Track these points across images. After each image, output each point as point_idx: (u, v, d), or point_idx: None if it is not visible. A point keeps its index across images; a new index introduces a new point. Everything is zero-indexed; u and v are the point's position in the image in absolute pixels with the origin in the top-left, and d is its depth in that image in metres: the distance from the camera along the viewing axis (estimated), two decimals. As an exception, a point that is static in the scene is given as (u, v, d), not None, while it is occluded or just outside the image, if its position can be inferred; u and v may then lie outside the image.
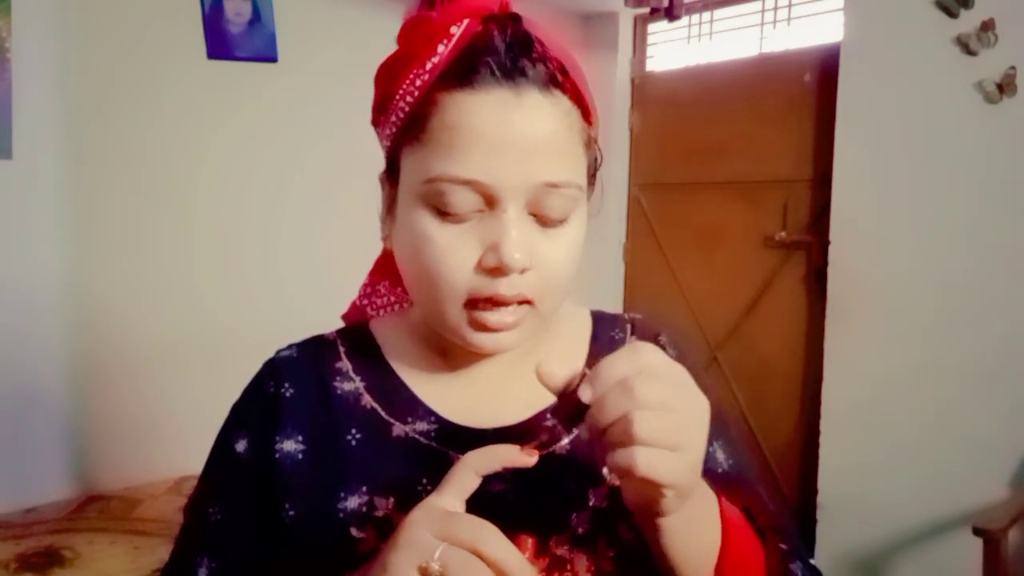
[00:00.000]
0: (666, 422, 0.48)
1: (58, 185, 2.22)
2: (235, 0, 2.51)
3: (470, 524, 0.49)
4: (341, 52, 2.57)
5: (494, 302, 0.59)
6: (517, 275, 0.59)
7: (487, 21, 0.60)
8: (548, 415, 0.66)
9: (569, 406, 0.52)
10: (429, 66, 0.60)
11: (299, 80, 2.62)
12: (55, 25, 2.19)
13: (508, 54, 0.59)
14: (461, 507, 0.52)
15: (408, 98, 0.61)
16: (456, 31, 0.60)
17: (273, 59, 2.59)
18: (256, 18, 2.56)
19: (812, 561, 0.68)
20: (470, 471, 0.52)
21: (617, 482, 0.52)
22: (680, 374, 0.52)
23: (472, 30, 0.60)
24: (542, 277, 0.60)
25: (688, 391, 0.51)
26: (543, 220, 0.60)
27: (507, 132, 0.57)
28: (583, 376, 0.52)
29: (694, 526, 0.55)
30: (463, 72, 0.59)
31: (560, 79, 0.61)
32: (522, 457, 0.53)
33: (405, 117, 0.62)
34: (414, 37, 0.62)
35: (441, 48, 0.60)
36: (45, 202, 2.21)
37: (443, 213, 0.59)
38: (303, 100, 2.63)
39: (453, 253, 0.59)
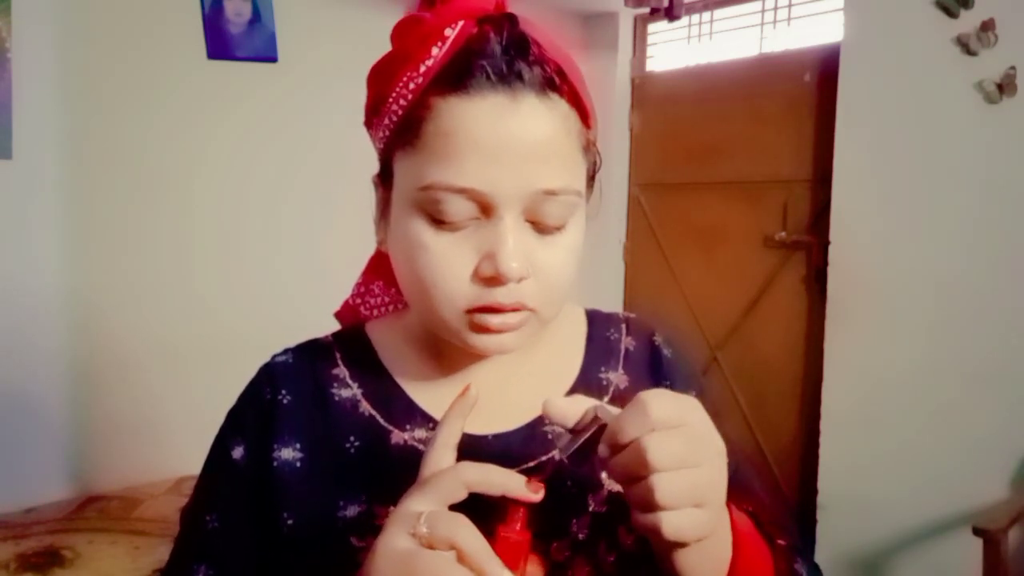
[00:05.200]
0: (688, 482, 0.47)
1: (58, 185, 2.22)
2: (235, 0, 2.51)
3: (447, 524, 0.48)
4: (341, 52, 2.56)
5: (493, 310, 0.58)
6: (515, 284, 0.57)
7: (482, 23, 0.58)
8: (546, 424, 0.65)
9: (580, 444, 0.51)
10: (423, 69, 0.58)
11: (299, 80, 2.62)
12: (55, 25, 2.19)
13: (504, 57, 0.57)
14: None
15: (401, 101, 0.60)
16: (451, 33, 0.58)
17: (273, 59, 2.59)
18: (256, 18, 2.55)
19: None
20: (460, 483, 0.50)
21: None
22: (693, 414, 0.50)
23: (467, 32, 0.58)
24: (542, 284, 0.59)
25: (705, 438, 0.50)
26: (541, 227, 0.59)
27: (504, 138, 0.56)
28: (595, 412, 0.51)
29: (707, 544, 0.54)
30: (458, 76, 0.57)
31: (558, 82, 0.58)
32: (527, 492, 0.50)
33: (398, 120, 0.60)
34: (407, 38, 0.61)
35: (435, 50, 0.58)
36: (45, 202, 2.21)
37: (438, 221, 0.58)
38: (303, 100, 2.63)
39: (449, 262, 0.58)
